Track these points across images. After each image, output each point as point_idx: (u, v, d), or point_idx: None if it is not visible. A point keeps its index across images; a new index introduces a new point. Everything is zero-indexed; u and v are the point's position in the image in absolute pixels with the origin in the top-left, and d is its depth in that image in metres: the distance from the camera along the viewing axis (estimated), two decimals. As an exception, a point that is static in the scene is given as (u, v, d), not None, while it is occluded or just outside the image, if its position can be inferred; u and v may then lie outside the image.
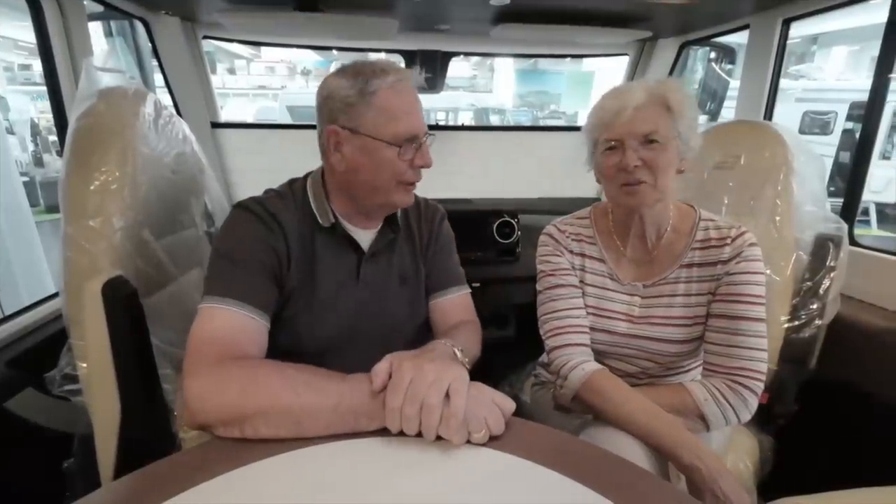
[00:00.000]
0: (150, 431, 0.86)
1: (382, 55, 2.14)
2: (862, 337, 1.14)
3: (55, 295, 1.23)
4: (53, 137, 6.51)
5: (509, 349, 1.48)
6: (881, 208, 6.22)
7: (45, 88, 1.27)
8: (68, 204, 0.84)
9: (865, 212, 5.97)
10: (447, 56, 2.11)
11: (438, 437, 0.56)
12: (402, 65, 2.11)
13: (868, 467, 0.89)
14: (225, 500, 0.50)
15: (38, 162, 7.04)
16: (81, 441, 0.90)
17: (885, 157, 6.20)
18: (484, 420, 0.57)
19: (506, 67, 13.39)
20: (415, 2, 1.44)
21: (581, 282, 0.97)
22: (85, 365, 0.82)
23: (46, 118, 7.18)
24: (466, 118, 10.00)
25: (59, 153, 0.98)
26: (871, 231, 5.84)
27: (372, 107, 0.76)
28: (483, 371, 0.78)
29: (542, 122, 11.83)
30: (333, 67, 0.84)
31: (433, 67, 2.10)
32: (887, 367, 1.08)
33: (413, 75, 0.81)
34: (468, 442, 0.56)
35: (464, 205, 1.93)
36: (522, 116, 12.38)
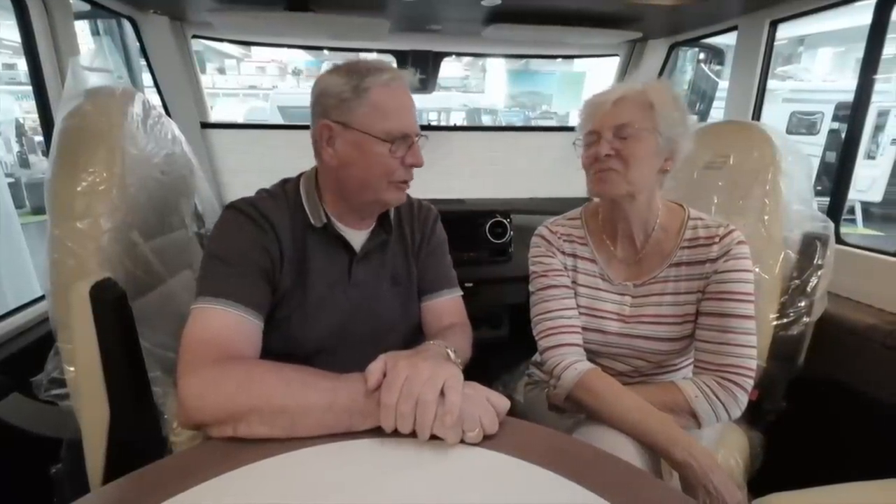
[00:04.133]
0: (140, 435, 0.84)
1: (374, 55, 2.13)
2: (849, 334, 1.15)
3: (41, 298, 1.21)
4: (39, 138, 6.42)
5: (502, 349, 1.48)
6: (866, 207, 6.33)
7: (30, 88, 1.25)
8: (55, 205, 0.82)
9: (851, 210, 6.08)
10: (439, 56, 2.11)
11: (432, 437, 0.56)
12: (394, 65, 2.11)
13: (856, 462, 0.90)
14: (217, 503, 0.50)
15: (24, 163, 6.93)
16: (69, 446, 0.89)
17: (870, 156, 6.31)
18: (478, 419, 0.57)
19: (497, 68, 13.43)
20: (406, 2, 1.44)
21: (573, 282, 0.97)
22: (73, 369, 0.81)
23: (32, 118, 7.08)
24: (458, 118, 10.01)
25: (45, 154, 0.97)
26: (857, 230, 5.95)
27: (365, 102, 0.77)
28: (476, 371, 0.78)
29: (533, 123, 11.88)
30: (325, 67, 0.84)
31: (425, 68, 2.10)
32: (874, 363, 1.10)
33: (407, 76, 0.81)
34: (462, 441, 0.56)
35: (456, 205, 1.93)
36: (514, 117, 12.43)
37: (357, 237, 0.86)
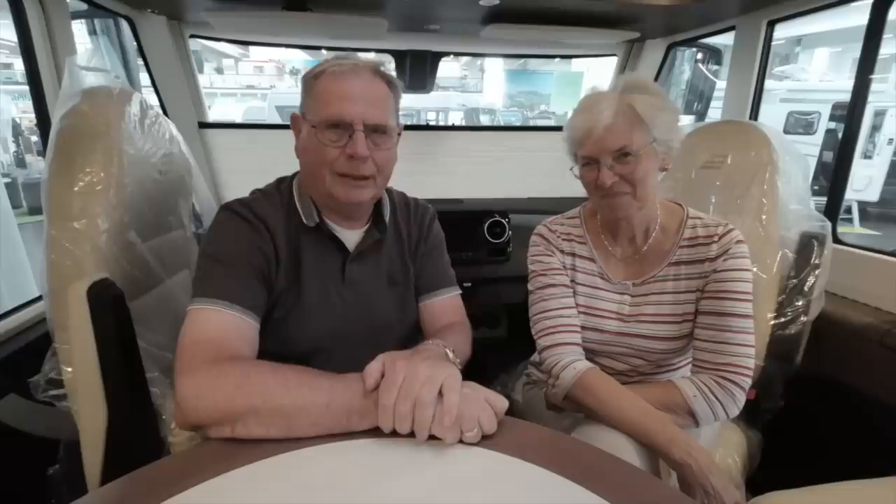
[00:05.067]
0: (138, 436, 0.84)
1: (372, 55, 2.12)
2: (846, 333, 1.16)
3: (39, 298, 1.21)
4: (36, 138, 6.39)
5: (501, 349, 1.48)
6: (863, 206, 6.35)
7: (26, 87, 1.24)
8: (52, 205, 0.82)
9: (848, 210, 6.10)
10: (437, 56, 2.11)
11: (431, 437, 0.55)
12: (392, 65, 2.11)
13: (854, 461, 0.91)
14: (216, 503, 0.50)
15: (21, 163, 6.91)
16: (67, 447, 0.88)
17: (866, 156, 6.33)
18: (477, 419, 0.57)
19: (496, 68, 13.46)
20: (405, 1, 1.44)
21: (572, 281, 0.97)
22: (70, 369, 0.81)
23: (29, 118, 7.05)
24: (457, 118, 10.01)
25: (42, 154, 0.96)
26: (854, 229, 5.97)
27: (312, 91, 0.78)
28: (475, 371, 0.78)
29: (531, 123, 11.89)
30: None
31: (423, 67, 2.10)
32: (871, 362, 1.11)
33: (365, 65, 0.79)
34: (460, 441, 0.56)
35: (455, 205, 1.93)
36: (512, 116, 12.45)
37: (350, 237, 0.86)
